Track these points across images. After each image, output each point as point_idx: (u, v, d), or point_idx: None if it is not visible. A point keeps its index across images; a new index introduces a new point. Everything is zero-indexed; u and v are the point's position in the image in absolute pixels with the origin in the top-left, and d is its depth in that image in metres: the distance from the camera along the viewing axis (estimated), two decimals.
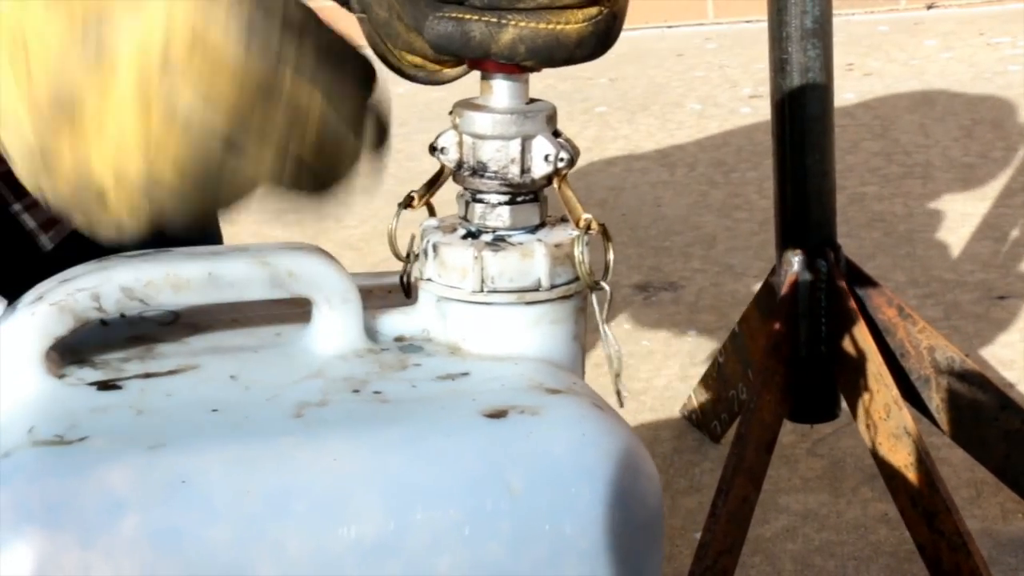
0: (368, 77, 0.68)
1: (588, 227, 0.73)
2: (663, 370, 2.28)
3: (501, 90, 0.73)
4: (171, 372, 0.72)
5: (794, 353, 1.71)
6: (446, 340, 0.74)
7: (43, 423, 0.67)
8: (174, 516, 0.63)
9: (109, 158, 0.64)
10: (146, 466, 0.64)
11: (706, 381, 2.06)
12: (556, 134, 0.74)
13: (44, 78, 0.64)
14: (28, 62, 0.64)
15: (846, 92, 3.57)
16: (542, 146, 0.73)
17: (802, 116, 1.67)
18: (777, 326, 1.70)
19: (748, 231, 2.78)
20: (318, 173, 0.68)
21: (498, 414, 0.68)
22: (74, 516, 0.62)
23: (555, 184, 0.74)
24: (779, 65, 1.66)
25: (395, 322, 0.76)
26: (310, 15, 0.66)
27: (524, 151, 0.73)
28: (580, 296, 0.75)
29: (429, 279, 0.74)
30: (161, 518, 0.63)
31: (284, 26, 0.64)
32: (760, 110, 3.46)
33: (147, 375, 0.71)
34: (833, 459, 2.00)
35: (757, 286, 1.88)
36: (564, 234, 0.74)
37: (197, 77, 0.63)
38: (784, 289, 1.71)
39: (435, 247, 0.74)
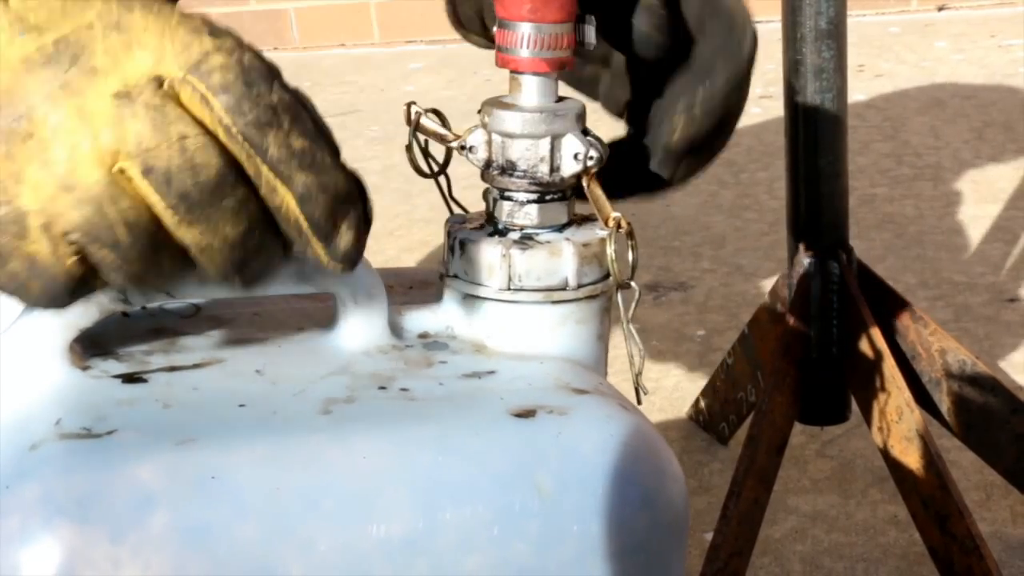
0: (353, 191, 0.64)
1: (618, 225, 0.73)
2: (672, 370, 2.28)
3: (530, 88, 0.73)
4: (196, 365, 0.72)
5: (805, 355, 1.71)
6: (471, 338, 0.74)
7: (70, 416, 0.66)
8: (204, 512, 0.63)
9: (49, 191, 0.60)
10: (176, 461, 0.64)
11: (714, 383, 2.06)
12: (585, 132, 0.74)
13: None
14: None
15: (856, 93, 3.56)
16: (572, 144, 0.73)
17: (816, 118, 1.66)
18: (788, 328, 1.70)
19: (758, 231, 2.78)
20: (258, 272, 0.64)
21: (526, 413, 0.67)
22: (104, 510, 0.62)
23: (584, 182, 0.73)
24: (793, 66, 1.66)
25: (420, 318, 0.75)
26: (303, 105, 0.63)
27: (554, 150, 0.73)
28: (605, 296, 0.75)
29: (455, 276, 0.74)
30: (191, 514, 0.62)
31: (272, 116, 0.62)
32: (770, 110, 3.45)
33: (172, 368, 0.71)
34: (843, 460, 2.00)
35: (767, 287, 1.88)
36: (592, 233, 0.74)
37: (166, 141, 0.60)
38: (796, 291, 1.71)
39: (462, 244, 0.74)
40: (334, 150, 0.64)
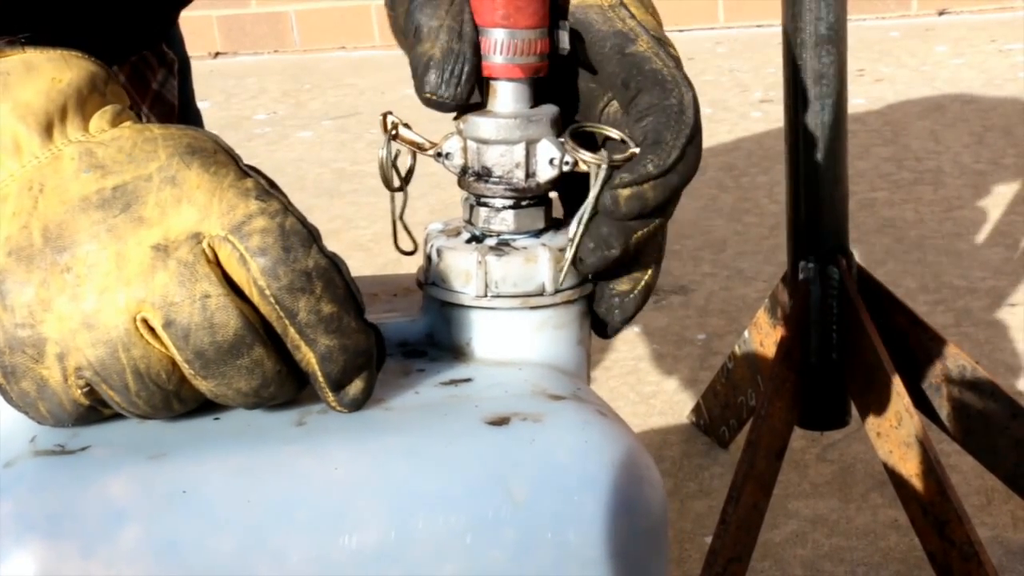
0: (371, 347, 0.67)
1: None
2: (673, 374, 2.28)
3: (505, 94, 0.72)
4: None
5: (805, 360, 1.71)
6: (450, 345, 0.74)
7: (44, 432, 0.66)
8: (176, 526, 0.62)
9: (72, 325, 0.63)
10: (148, 475, 0.63)
11: (715, 387, 2.06)
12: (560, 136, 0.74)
13: (47, 222, 0.63)
14: (37, 207, 0.64)
15: (857, 97, 3.56)
16: (547, 150, 0.72)
17: (815, 123, 1.66)
18: (788, 333, 1.69)
19: (758, 235, 2.77)
20: (270, 398, 0.66)
21: (500, 421, 0.67)
22: (76, 526, 0.61)
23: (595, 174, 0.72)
24: (793, 71, 1.65)
25: (399, 328, 0.75)
26: (336, 270, 0.65)
27: (529, 155, 0.72)
28: (584, 300, 0.74)
29: (433, 283, 0.74)
30: (163, 528, 0.62)
31: (306, 282, 0.64)
32: (770, 115, 3.45)
33: None
34: (843, 465, 2.00)
35: (767, 290, 1.87)
36: (569, 239, 0.74)
37: (189, 298, 0.63)
38: (795, 296, 1.71)
39: (439, 251, 0.73)
40: (359, 311, 0.66)
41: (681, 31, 4.40)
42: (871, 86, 3.73)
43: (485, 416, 0.67)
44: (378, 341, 0.67)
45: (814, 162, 1.69)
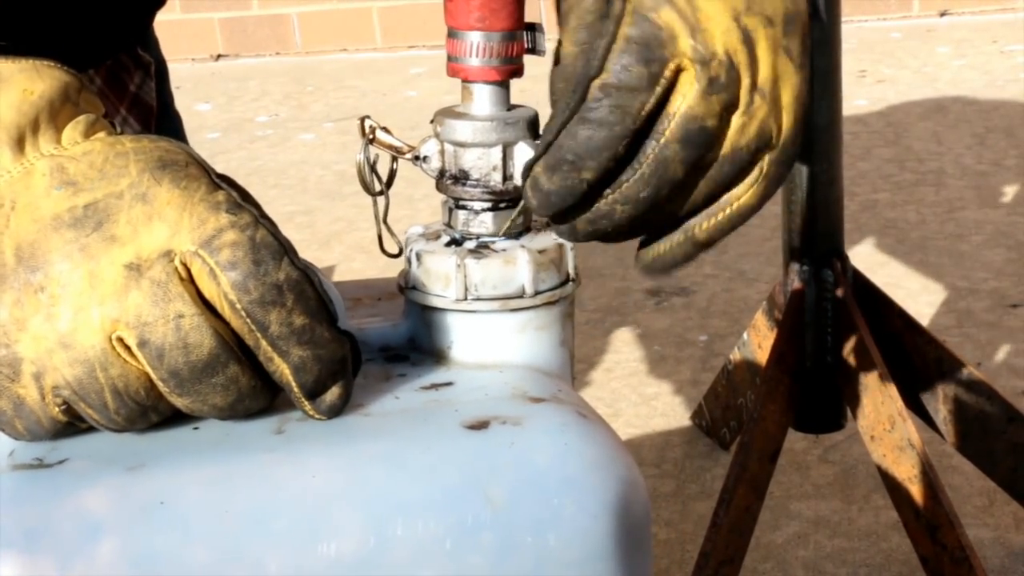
0: (346, 355, 0.67)
1: None
2: (674, 375, 2.28)
3: (481, 97, 0.72)
4: None
5: (799, 364, 1.71)
6: (431, 349, 0.74)
7: (23, 446, 0.66)
8: (152, 538, 0.62)
9: (48, 345, 0.63)
10: (124, 487, 0.63)
11: (716, 389, 2.06)
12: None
13: (19, 241, 0.63)
14: (8, 225, 0.64)
15: (858, 99, 3.56)
16: (524, 152, 0.72)
17: (810, 126, 1.66)
18: (782, 336, 1.69)
19: (760, 237, 2.77)
20: (245, 410, 0.67)
21: (480, 425, 0.67)
22: (52, 540, 0.61)
23: None
24: None
25: (381, 333, 0.75)
26: (308, 282, 0.65)
27: (506, 158, 0.72)
28: (566, 301, 0.74)
29: (414, 288, 0.74)
30: (139, 540, 0.62)
31: (276, 295, 0.64)
32: None
33: None
34: (845, 466, 1.99)
35: (768, 292, 1.87)
36: (548, 240, 0.74)
37: (163, 318, 0.63)
38: (790, 299, 1.70)
39: (419, 255, 0.73)
40: (332, 320, 0.66)
41: None
42: (873, 87, 3.72)
43: (464, 420, 0.67)
44: (353, 348, 0.67)
45: (809, 165, 1.68)
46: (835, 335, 1.69)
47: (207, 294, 0.63)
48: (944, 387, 1.75)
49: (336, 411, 0.67)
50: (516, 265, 0.72)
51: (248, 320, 0.63)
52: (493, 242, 0.73)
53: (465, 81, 0.72)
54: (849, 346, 1.67)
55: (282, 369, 0.65)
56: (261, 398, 0.66)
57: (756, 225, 2.82)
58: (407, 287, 0.74)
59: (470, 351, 0.73)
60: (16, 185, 0.64)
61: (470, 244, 0.73)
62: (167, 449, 0.66)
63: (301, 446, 0.66)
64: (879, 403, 1.61)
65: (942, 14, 4.43)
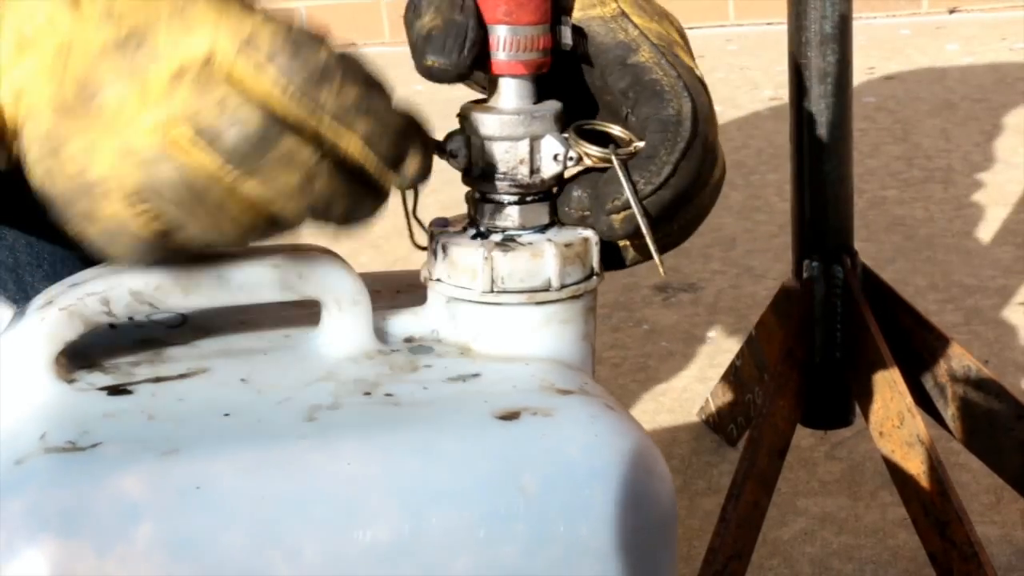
0: (412, 124, 0.69)
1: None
2: (682, 371, 2.28)
3: (508, 90, 0.73)
4: (182, 376, 0.72)
5: (809, 359, 1.71)
6: (456, 341, 0.74)
7: (55, 429, 0.66)
8: (189, 522, 0.62)
9: (113, 158, 0.65)
10: (160, 472, 0.64)
11: (723, 384, 2.06)
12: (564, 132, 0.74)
13: (76, 76, 0.67)
14: (67, 65, 0.67)
15: (867, 96, 3.56)
16: (551, 146, 0.73)
17: (820, 122, 1.66)
18: (792, 332, 1.69)
19: (768, 233, 2.77)
20: (347, 209, 0.68)
21: (511, 416, 0.67)
22: (88, 523, 0.62)
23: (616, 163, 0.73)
24: (797, 70, 1.65)
25: (405, 323, 0.75)
26: (353, 61, 0.67)
27: (533, 151, 0.73)
28: (589, 296, 0.75)
29: (439, 280, 0.74)
30: (176, 525, 0.62)
31: (323, 74, 0.65)
32: (781, 112, 3.45)
33: (157, 379, 0.71)
34: (852, 462, 2.00)
35: (776, 288, 1.87)
36: (574, 234, 0.74)
37: (207, 104, 0.65)
38: (800, 295, 1.70)
39: (444, 247, 0.74)
40: (387, 96, 0.68)
41: (691, 28, 4.40)
42: (881, 84, 3.72)
43: (495, 411, 0.68)
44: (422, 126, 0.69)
45: (819, 161, 1.68)
46: (844, 331, 1.69)
47: (258, 91, 0.65)
48: (952, 384, 1.75)
49: (419, 179, 0.69)
50: (543, 258, 0.72)
51: (304, 99, 0.65)
52: (519, 235, 0.74)
53: (492, 75, 0.73)
54: (858, 342, 1.67)
55: (354, 143, 0.66)
56: (344, 184, 0.67)
57: (764, 221, 2.83)
58: (431, 278, 0.75)
59: (494, 343, 0.73)
60: (73, 28, 0.67)
61: (496, 237, 0.74)
62: (199, 435, 0.66)
63: (334, 433, 0.66)
64: (888, 399, 1.61)
65: (951, 11, 4.43)
